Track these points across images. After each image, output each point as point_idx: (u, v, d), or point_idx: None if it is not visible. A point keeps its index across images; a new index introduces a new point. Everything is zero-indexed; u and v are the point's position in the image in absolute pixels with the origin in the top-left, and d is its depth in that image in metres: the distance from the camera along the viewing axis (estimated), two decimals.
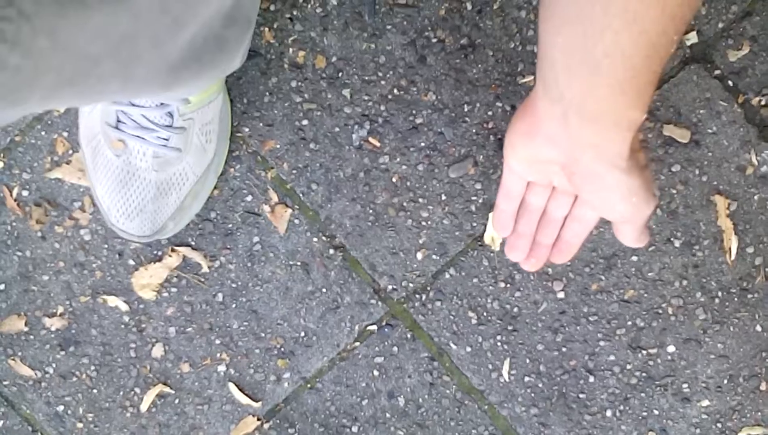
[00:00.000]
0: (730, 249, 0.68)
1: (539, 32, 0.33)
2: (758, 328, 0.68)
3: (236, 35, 0.52)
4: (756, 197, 0.67)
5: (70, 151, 0.70)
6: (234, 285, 0.70)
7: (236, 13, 0.49)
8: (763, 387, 0.69)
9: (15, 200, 0.70)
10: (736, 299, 0.68)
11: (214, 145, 0.65)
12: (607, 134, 0.34)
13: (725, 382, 0.69)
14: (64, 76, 0.35)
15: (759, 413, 0.69)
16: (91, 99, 0.51)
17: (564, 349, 0.69)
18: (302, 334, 0.70)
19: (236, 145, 0.68)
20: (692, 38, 0.66)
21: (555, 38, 0.30)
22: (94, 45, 0.34)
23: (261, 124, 0.68)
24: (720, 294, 0.68)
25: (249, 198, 0.69)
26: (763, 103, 0.66)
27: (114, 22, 0.33)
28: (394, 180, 0.68)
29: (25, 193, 0.71)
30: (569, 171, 0.42)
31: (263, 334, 0.70)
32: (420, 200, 0.68)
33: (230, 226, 0.69)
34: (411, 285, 0.69)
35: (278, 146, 0.68)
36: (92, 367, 0.71)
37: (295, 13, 0.67)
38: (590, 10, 0.27)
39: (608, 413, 0.70)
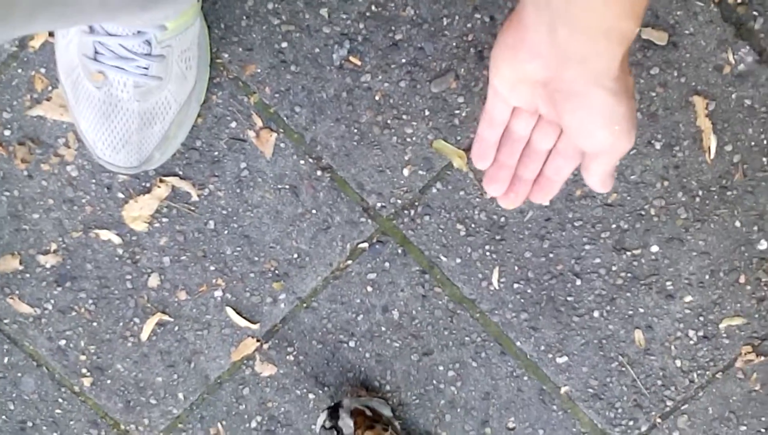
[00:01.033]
0: (709, 148, 0.70)
1: None
2: (737, 223, 0.71)
3: None
4: (734, 96, 0.69)
5: (50, 88, 0.69)
6: (224, 212, 0.71)
7: None
8: (742, 280, 0.72)
9: None
10: (715, 197, 0.70)
11: (195, 72, 0.65)
12: (595, 46, 0.32)
13: (707, 277, 0.72)
14: None
15: (738, 305, 0.72)
16: (72, 19, 0.50)
17: (551, 255, 0.72)
18: (295, 255, 0.72)
19: (217, 71, 0.68)
20: None
21: None
22: None
23: (240, 49, 0.68)
24: (700, 193, 0.70)
25: (233, 124, 0.70)
26: (739, 1, 0.67)
27: None
28: (377, 98, 0.69)
29: (7, 132, 0.71)
30: (552, 89, 0.39)
31: (257, 258, 0.72)
32: (404, 117, 0.69)
33: (216, 153, 0.70)
34: (399, 201, 0.71)
35: (259, 70, 0.68)
36: (90, 301, 0.73)
37: None
38: None
39: (596, 314, 0.73)
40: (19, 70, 0.69)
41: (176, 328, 0.73)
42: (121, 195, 0.71)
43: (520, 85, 0.42)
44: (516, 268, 0.72)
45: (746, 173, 0.70)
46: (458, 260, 0.71)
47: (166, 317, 0.73)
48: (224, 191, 0.70)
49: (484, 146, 0.47)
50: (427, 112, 0.69)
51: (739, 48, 0.68)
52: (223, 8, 0.67)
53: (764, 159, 0.69)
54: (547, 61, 0.36)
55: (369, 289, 0.72)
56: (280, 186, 0.70)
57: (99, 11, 0.45)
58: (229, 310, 0.73)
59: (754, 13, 0.67)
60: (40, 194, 0.71)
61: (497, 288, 0.72)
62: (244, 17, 0.67)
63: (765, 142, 0.69)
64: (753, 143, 0.69)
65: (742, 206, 0.70)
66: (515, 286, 0.72)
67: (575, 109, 0.37)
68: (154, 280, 0.72)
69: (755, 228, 0.71)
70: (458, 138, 0.69)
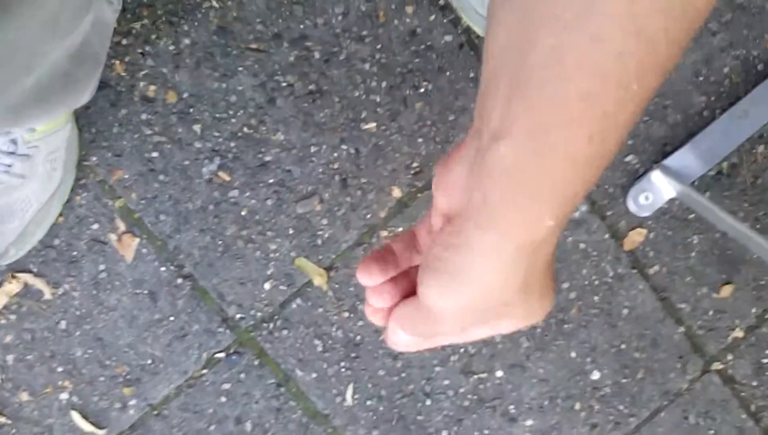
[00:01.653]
0: None
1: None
2: (573, 354, 0.77)
3: (84, 73, 0.54)
4: (570, 239, 0.76)
5: None
6: (78, 313, 0.70)
7: (84, 52, 0.52)
8: (577, 407, 0.77)
9: None
10: (554, 329, 0.77)
11: (60, 173, 0.66)
12: (501, 210, 0.23)
13: (546, 403, 0.77)
14: None
15: (574, 430, 0.77)
16: None
17: (403, 374, 0.75)
18: (149, 361, 0.72)
19: (84, 173, 0.70)
20: None
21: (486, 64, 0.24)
22: None
23: (109, 154, 0.70)
24: (541, 323, 0.76)
25: (95, 226, 0.70)
26: None
27: None
28: (243, 213, 0.72)
29: None
30: (447, 227, 0.27)
31: (108, 362, 0.71)
32: (268, 233, 0.72)
33: (75, 253, 0.70)
34: (259, 314, 0.73)
35: (127, 176, 0.70)
36: None
37: (147, 48, 0.69)
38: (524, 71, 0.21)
39: (444, 434, 0.76)
40: None
41: (14, 430, 0.70)
42: None
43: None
44: (370, 385, 0.74)
45: (581, 309, 0.77)
46: (314, 375, 0.73)
47: (2, 419, 0.70)
48: (80, 292, 0.70)
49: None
50: (291, 231, 0.72)
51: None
52: (96, 114, 0.69)
53: (596, 297, 0.77)
54: (454, 200, 0.26)
55: (223, 399, 0.72)
56: (138, 291, 0.71)
57: None
58: (75, 414, 0.71)
59: None
60: None
61: (351, 404, 0.74)
62: (117, 124, 0.70)
63: (597, 282, 0.77)
64: (586, 283, 0.76)
65: (577, 339, 0.76)
66: (368, 402, 0.74)
67: (441, 258, 0.27)
68: None
69: (588, 359, 0.77)
70: (320, 257, 0.73)
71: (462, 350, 0.74)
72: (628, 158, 0.75)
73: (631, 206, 0.76)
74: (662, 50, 0.20)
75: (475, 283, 0.25)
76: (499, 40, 0.22)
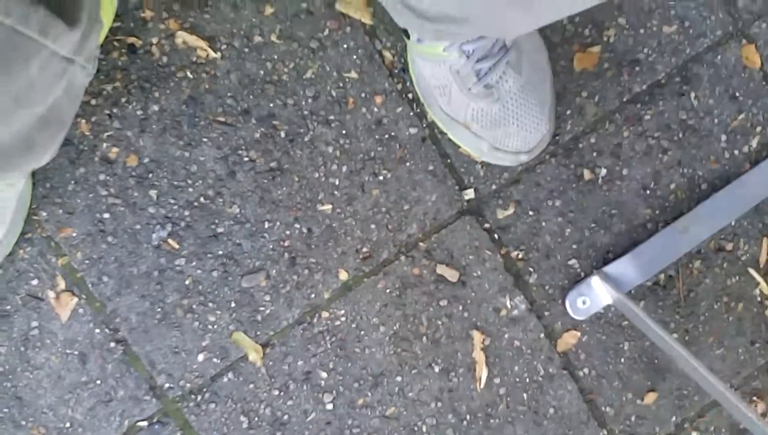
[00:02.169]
0: (480, 378, 0.79)
1: None
2: None
3: (48, 136, 0.54)
4: (506, 336, 0.80)
5: None
6: (1, 368, 0.68)
7: (52, 116, 0.52)
8: None
9: None
10: (480, 423, 0.79)
11: (6, 227, 0.66)
12: None
13: None
14: None
15: None
16: None
17: None
18: (68, 424, 0.70)
19: (31, 227, 0.70)
20: (470, 194, 0.79)
21: None
22: None
23: (61, 211, 0.70)
24: (468, 417, 0.79)
25: (35, 281, 0.70)
26: (520, 256, 0.80)
27: None
28: (187, 282, 0.72)
29: None
30: None
31: (24, 422, 0.70)
32: (209, 304, 0.73)
33: (8, 307, 0.69)
34: (188, 385, 0.72)
35: (75, 235, 0.70)
36: None
37: (115, 110, 0.71)
38: None
39: None
40: None
41: None
42: None
43: None
44: None
45: (509, 405, 0.79)
46: None
47: None
48: (6, 347, 0.69)
49: None
50: (233, 304, 0.73)
51: (515, 295, 0.80)
52: (53, 169, 0.70)
53: (525, 395, 0.80)
54: None
55: None
56: (68, 351, 0.70)
57: None
58: None
59: (530, 269, 0.80)
60: None
61: None
62: (73, 182, 0.70)
63: (527, 380, 0.80)
64: (517, 379, 0.79)
65: (502, 434, 0.79)
66: None
67: None
68: None
69: None
70: (258, 333, 0.74)
71: None
72: (571, 262, 0.80)
73: (569, 309, 0.80)
74: None
75: None
76: None
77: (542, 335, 0.84)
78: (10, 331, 0.72)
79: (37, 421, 0.72)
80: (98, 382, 0.73)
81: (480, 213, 0.83)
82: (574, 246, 0.83)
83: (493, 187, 0.83)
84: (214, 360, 0.75)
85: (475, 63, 0.69)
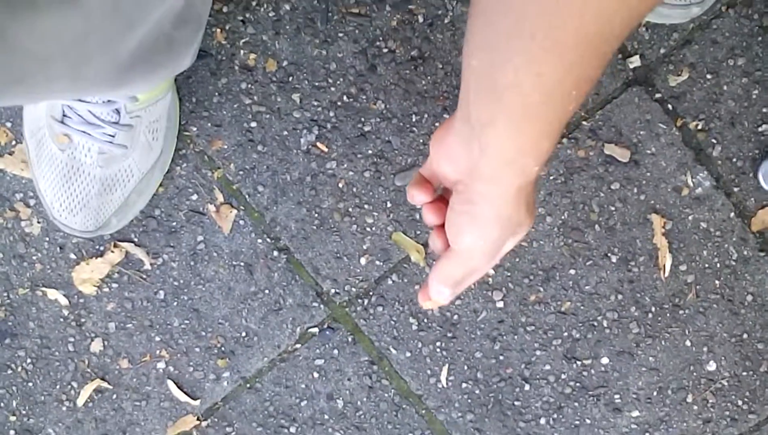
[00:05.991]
0: (664, 266, 0.73)
1: (462, 51, 0.34)
2: (687, 343, 0.73)
3: (187, 36, 0.54)
4: (690, 218, 0.72)
5: (14, 142, 0.71)
6: (176, 283, 0.72)
7: (187, 14, 0.52)
8: (689, 399, 0.74)
9: None
10: (668, 315, 0.73)
11: (161, 143, 0.67)
12: (498, 171, 0.34)
13: (655, 393, 0.74)
14: (13, 75, 0.37)
15: (685, 424, 0.74)
16: (40, 97, 0.53)
17: (501, 357, 0.73)
18: (243, 334, 0.73)
19: (183, 143, 0.71)
20: (635, 62, 0.71)
21: (470, 60, 0.32)
22: (43, 46, 0.36)
23: (209, 124, 0.71)
24: (653, 309, 0.73)
25: (194, 197, 0.72)
26: (699, 127, 0.71)
27: (65, 24, 0.36)
28: (340, 185, 0.71)
29: None
30: (458, 188, 0.38)
31: (204, 333, 0.73)
32: (365, 206, 0.72)
33: (174, 224, 0.72)
34: (354, 289, 0.72)
35: (226, 147, 0.71)
36: (29, 360, 0.73)
37: (247, 15, 0.70)
38: (497, 40, 0.30)
39: (542, 421, 0.74)
40: None
41: (114, 396, 0.73)
42: (73, 256, 0.72)
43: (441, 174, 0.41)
44: (465, 367, 0.73)
45: (699, 294, 0.73)
46: (408, 354, 0.73)
47: (105, 384, 0.73)
48: (178, 262, 0.72)
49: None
50: (389, 204, 0.71)
51: (698, 172, 0.72)
52: (196, 83, 0.70)
53: (717, 281, 0.73)
54: (460, 168, 0.37)
55: (315, 375, 0.73)
56: (235, 262, 0.72)
57: (68, 91, 0.48)
58: (171, 384, 0.73)
59: (713, 140, 0.71)
60: None
61: (445, 386, 0.73)
62: (217, 94, 0.70)
63: (718, 265, 0.72)
64: (707, 265, 0.72)
65: (693, 326, 0.73)
66: (463, 385, 0.73)
67: (462, 212, 0.38)
68: (96, 345, 0.73)
69: (705, 349, 0.73)
70: (418, 232, 0.72)
71: (565, 334, 0.72)
72: (762, 128, 0.70)
73: (762, 181, 0.71)
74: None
75: (495, 220, 0.36)
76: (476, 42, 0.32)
77: (732, 214, 0.73)
78: (179, 247, 0.72)
79: (215, 331, 0.73)
80: (266, 291, 0.72)
81: (649, 82, 0.75)
82: (765, 109, 0.72)
83: (662, 51, 0.74)
84: (377, 263, 0.72)
85: None
